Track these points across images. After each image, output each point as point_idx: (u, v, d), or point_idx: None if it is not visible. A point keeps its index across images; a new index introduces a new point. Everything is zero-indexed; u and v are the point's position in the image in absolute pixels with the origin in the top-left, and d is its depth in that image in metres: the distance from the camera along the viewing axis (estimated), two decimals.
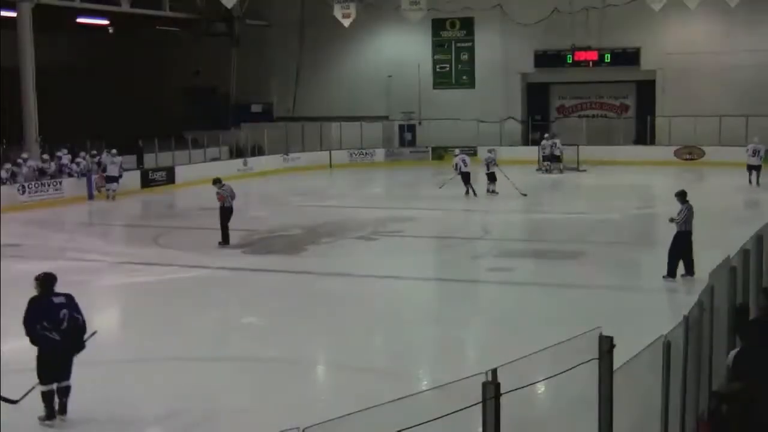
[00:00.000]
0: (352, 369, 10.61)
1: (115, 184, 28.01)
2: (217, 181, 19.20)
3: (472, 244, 19.67)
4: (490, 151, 28.13)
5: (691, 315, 5.92)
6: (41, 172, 27.77)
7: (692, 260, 14.15)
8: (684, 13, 34.70)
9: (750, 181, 27.89)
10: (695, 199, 14.74)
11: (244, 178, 33.28)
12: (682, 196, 14.40)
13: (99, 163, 29.74)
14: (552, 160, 33.19)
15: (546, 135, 34.53)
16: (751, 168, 28.19)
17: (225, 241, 18.85)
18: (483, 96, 39.58)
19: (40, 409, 8.88)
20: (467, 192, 26.72)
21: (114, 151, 28.86)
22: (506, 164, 35.62)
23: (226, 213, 18.85)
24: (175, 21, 38.43)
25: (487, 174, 27.09)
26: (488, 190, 26.89)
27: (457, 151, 29.13)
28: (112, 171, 28.08)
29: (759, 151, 28.32)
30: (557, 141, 33.81)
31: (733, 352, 6.76)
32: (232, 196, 18.88)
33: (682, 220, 14.14)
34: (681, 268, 14.20)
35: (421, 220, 22.83)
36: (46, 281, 9.16)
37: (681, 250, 14.19)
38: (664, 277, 14.25)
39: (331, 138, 39.41)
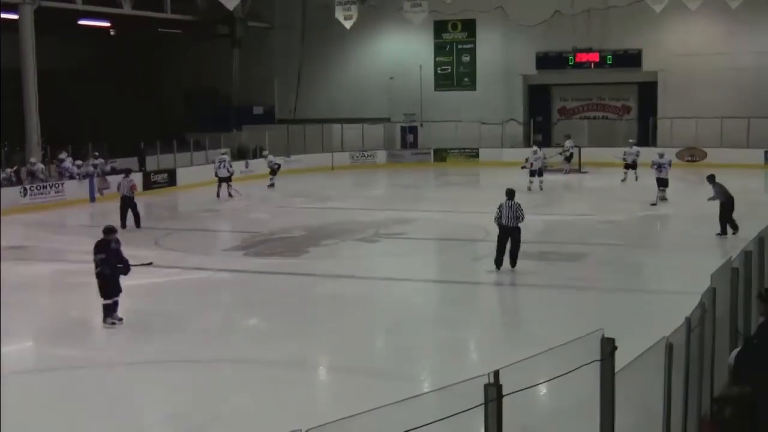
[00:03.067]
0: (353, 371, 10.62)
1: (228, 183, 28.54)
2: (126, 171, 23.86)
3: (473, 245, 19.64)
4: (661, 156, 25.38)
5: (692, 317, 5.92)
6: (31, 175, 27.84)
7: (515, 256, 15.50)
8: (685, 14, 34.71)
9: None
10: (698, 200, 14.74)
11: (246, 180, 33.30)
12: (509, 194, 15.49)
13: (97, 165, 29.79)
14: (569, 161, 33.69)
15: (568, 135, 34.86)
16: None
17: (123, 225, 21.38)
18: (484, 98, 39.63)
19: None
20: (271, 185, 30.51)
21: (222, 150, 30.62)
22: (507, 166, 35.78)
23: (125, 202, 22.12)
24: (176, 23, 38.47)
25: (658, 179, 24.94)
26: (658, 198, 24.72)
27: (266, 151, 33.43)
28: (222, 173, 28.48)
29: None
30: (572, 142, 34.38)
31: (734, 352, 6.77)
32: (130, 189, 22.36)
33: (497, 216, 15.46)
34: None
35: (422, 222, 22.83)
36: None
37: (503, 244, 15.44)
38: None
39: (333, 140, 39.42)
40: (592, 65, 38.31)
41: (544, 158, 30.01)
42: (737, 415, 5.30)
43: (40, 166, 28.56)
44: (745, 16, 34.87)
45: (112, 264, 12.80)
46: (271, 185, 31.07)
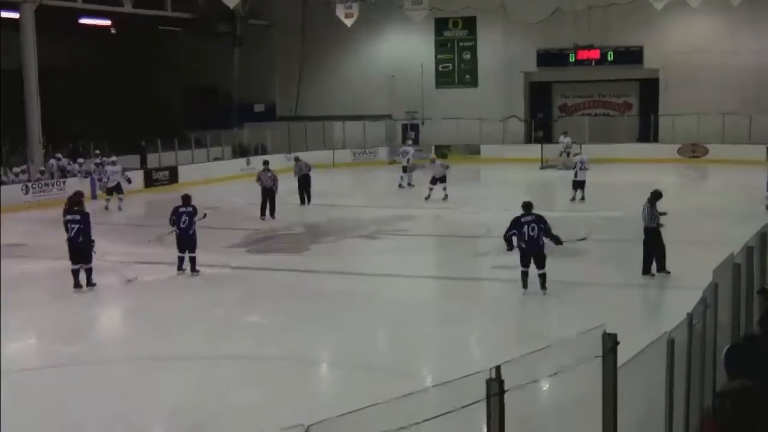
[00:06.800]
0: (355, 367, 10.63)
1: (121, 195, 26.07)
2: (265, 162, 24.78)
3: (475, 242, 19.65)
4: (576, 154, 25.15)
5: (694, 312, 5.92)
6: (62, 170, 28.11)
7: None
8: (686, 11, 34.69)
9: None
10: (700, 197, 14.73)
11: (247, 178, 33.29)
12: (654, 195, 15.24)
13: (101, 164, 29.84)
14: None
15: (565, 132, 34.77)
16: None
17: (263, 214, 22.87)
18: (485, 95, 39.61)
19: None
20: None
21: (114, 158, 27.52)
22: (508, 163, 35.75)
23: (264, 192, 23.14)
24: (177, 21, 38.46)
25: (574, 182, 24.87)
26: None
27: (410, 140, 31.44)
28: (114, 180, 26.00)
29: None
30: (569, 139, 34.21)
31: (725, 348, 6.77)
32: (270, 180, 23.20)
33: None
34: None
35: (424, 219, 22.83)
36: None
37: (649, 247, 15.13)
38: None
39: (334, 137, 39.43)
40: (593, 62, 38.30)
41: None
42: (737, 410, 5.30)
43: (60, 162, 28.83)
44: (747, 12, 34.88)
45: None
46: (410, 184, 29.04)
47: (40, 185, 27.14)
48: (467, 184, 32.32)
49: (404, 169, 29.19)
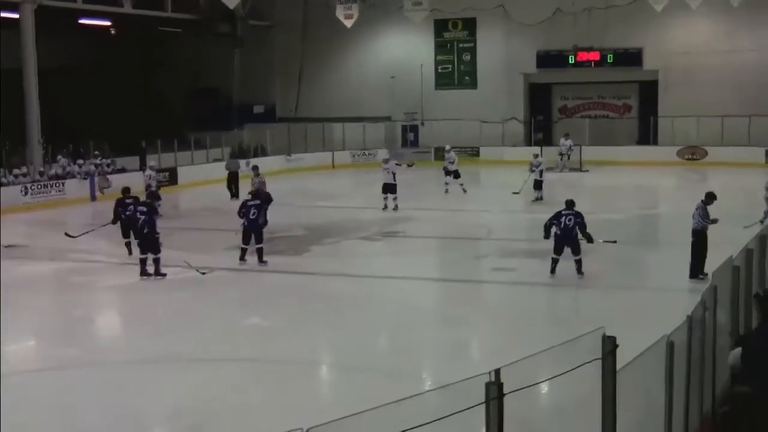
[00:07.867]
0: (355, 369, 10.63)
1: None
2: (254, 168, 24.56)
3: (475, 244, 19.65)
4: (536, 156, 25.43)
5: (694, 315, 5.93)
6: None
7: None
8: (686, 12, 34.68)
9: None
10: (699, 199, 14.72)
11: (247, 179, 33.30)
12: (708, 197, 14.61)
13: (100, 165, 29.84)
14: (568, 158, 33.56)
15: (567, 134, 34.63)
16: None
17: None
18: (485, 96, 39.57)
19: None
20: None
21: (152, 162, 27.40)
22: (508, 164, 35.74)
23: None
24: (177, 22, 38.45)
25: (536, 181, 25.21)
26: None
27: (448, 146, 29.24)
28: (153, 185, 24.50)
29: None
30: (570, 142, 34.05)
31: (735, 352, 6.76)
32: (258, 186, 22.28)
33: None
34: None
35: (424, 221, 22.82)
36: None
37: (695, 249, 14.54)
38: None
39: (334, 139, 39.42)
40: (593, 64, 38.25)
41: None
42: (738, 414, 5.31)
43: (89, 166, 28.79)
44: (747, 14, 34.87)
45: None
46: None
47: (39, 187, 27.13)
48: (466, 186, 32.35)
49: (448, 173, 27.74)
